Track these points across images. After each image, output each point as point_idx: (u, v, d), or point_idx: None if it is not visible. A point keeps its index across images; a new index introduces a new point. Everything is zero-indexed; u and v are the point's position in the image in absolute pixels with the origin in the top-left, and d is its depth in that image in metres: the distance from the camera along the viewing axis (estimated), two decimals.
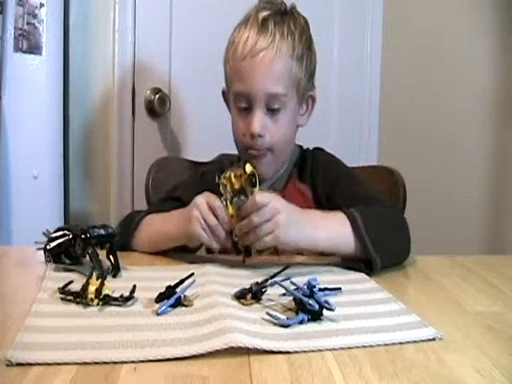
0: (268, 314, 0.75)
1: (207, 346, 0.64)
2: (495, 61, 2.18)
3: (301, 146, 1.31)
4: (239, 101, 1.17)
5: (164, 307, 0.76)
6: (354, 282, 0.95)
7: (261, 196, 0.97)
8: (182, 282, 0.83)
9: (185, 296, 0.79)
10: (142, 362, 0.61)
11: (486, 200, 2.24)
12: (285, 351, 0.65)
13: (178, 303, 0.78)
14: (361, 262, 1.00)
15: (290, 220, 0.96)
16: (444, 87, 2.16)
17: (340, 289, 0.87)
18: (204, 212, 1.00)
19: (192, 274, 0.85)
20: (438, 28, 2.13)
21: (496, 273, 1.05)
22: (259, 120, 1.15)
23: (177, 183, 1.30)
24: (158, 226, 1.12)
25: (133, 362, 0.61)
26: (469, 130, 2.20)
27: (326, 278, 0.93)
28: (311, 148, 1.31)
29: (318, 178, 1.23)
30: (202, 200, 1.01)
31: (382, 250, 0.99)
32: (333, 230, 1.01)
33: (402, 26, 2.11)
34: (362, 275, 0.98)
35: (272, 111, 1.16)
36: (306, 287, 0.79)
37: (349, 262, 1.02)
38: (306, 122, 1.25)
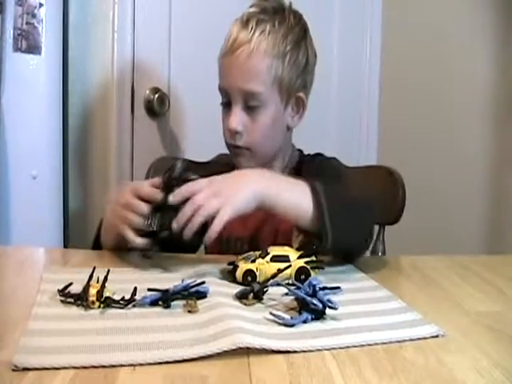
0: (271, 313, 0.75)
1: (214, 347, 0.64)
2: (495, 60, 2.18)
3: (301, 151, 1.31)
4: (222, 97, 1.19)
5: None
6: (353, 280, 0.95)
7: (191, 185, 0.93)
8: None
9: (188, 302, 0.79)
10: (150, 364, 0.61)
11: (486, 200, 2.24)
12: (292, 350, 0.65)
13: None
14: (313, 236, 0.97)
15: (232, 191, 0.92)
16: (443, 87, 2.16)
17: (339, 287, 0.87)
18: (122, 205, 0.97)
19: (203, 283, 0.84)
20: (437, 27, 2.14)
21: (496, 273, 1.05)
22: (236, 117, 1.15)
23: None
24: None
25: (140, 364, 0.60)
26: (468, 130, 2.20)
27: (324, 277, 0.93)
28: (312, 153, 1.30)
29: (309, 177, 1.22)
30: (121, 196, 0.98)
31: (336, 227, 0.95)
32: (294, 193, 0.97)
33: (401, 26, 2.11)
34: (361, 274, 0.98)
35: (251, 109, 1.15)
36: (307, 286, 0.79)
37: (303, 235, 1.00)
38: (297, 123, 1.23)
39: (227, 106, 1.18)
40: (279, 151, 1.24)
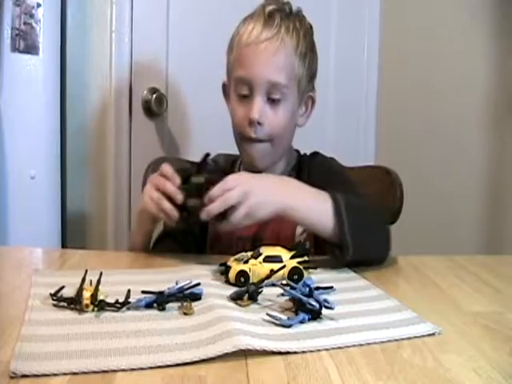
0: (268, 314, 0.75)
1: (214, 349, 0.63)
2: (493, 60, 2.18)
3: (298, 151, 1.31)
4: (240, 88, 1.17)
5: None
6: (344, 280, 0.95)
7: (227, 181, 0.97)
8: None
9: (183, 304, 0.78)
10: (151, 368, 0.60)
11: (484, 200, 2.24)
12: (291, 351, 0.65)
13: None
14: (334, 246, 1.00)
15: (261, 197, 0.97)
16: (441, 87, 2.16)
17: (332, 287, 0.87)
18: (154, 186, 1.03)
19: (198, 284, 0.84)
20: (435, 28, 2.14)
21: (493, 273, 1.05)
22: (259, 107, 1.15)
23: None
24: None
25: (141, 368, 0.60)
26: (466, 130, 2.20)
27: (315, 276, 0.93)
28: (308, 153, 1.31)
29: (313, 180, 1.23)
30: (152, 177, 1.06)
31: (357, 238, 0.98)
32: (312, 203, 1.02)
33: (400, 27, 2.11)
34: (352, 273, 0.98)
35: (272, 101, 1.16)
36: (302, 286, 0.79)
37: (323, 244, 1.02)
38: (305, 122, 1.25)
39: (245, 97, 1.17)
40: (287, 149, 1.25)
